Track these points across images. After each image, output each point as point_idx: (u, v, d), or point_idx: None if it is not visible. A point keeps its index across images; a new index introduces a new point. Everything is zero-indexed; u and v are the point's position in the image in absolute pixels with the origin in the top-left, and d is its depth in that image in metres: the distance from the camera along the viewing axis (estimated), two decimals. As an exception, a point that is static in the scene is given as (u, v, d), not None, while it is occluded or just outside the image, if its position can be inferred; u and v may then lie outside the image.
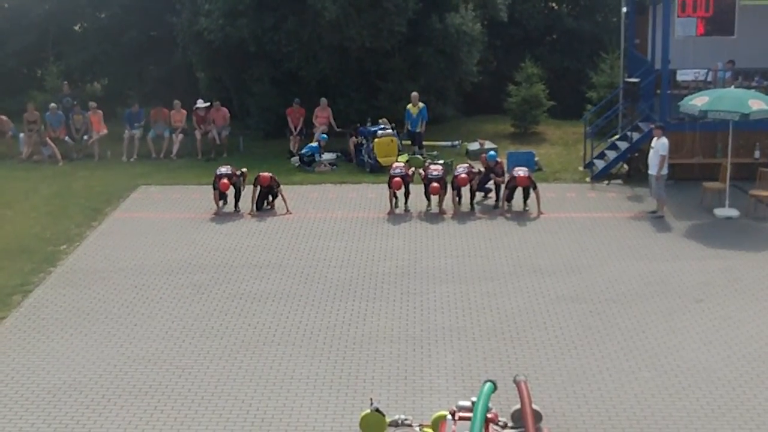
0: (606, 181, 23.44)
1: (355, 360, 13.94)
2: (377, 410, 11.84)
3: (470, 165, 22.01)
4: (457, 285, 16.71)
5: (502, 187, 21.29)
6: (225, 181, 21.03)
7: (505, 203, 21.10)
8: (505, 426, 11.62)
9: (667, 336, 14.59)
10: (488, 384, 11.05)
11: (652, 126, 21.02)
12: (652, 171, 20.36)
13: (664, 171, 20.21)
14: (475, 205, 21.43)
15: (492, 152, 22.57)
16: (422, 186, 21.33)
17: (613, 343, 14.39)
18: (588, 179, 23.76)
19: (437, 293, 16.36)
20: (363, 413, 11.85)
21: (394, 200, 21.23)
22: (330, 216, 20.95)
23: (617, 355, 14.00)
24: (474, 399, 10.74)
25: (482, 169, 22.05)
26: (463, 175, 21.16)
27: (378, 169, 24.53)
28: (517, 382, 12.11)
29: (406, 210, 21.23)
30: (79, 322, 15.46)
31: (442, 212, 20.90)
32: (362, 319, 15.37)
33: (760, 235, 19.32)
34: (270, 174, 21.36)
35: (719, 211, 20.45)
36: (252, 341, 14.61)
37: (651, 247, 18.65)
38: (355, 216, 20.89)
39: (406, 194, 21.30)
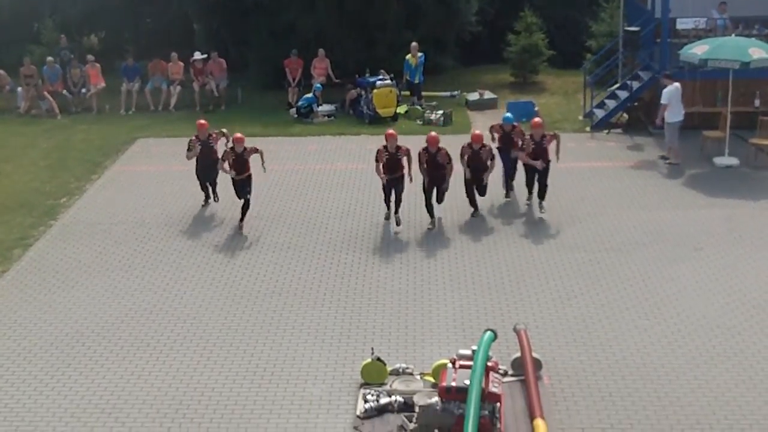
0: (606, 131, 23.38)
1: (356, 310, 13.99)
2: (378, 359, 11.92)
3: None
4: (458, 236, 16.73)
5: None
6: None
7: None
8: (505, 374, 11.71)
9: (666, 284, 14.64)
10: (488, 333, 11.10)
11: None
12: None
13: (671, 119, 20.15)
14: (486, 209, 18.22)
15: (508, 115, 18.95)
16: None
17: (613, 291, 14.45)
18: (588, 129, 23.70)
19: (437, 244, 16.38)
20: (364, 362, 11.94)
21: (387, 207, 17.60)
22: (329, 168, 20.93)
23: (617, 303, 14.06)
24: (474, 348, 10.80)
25: (496, 142, 18.41)
26: (477, 132, 17.48)
27: (377, 120, 24.46)
28: (517, 331, 12.19)
29: (398, 224, 17.21)
30: (80, 274, 15.51)
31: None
32: (363, 269, 15.41)
33: (759, 183, 19.30)
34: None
35: (719, 160, 20.42)
36: (253, 292, 14.66)
37: (651, 196, 18.66)
38: (355, 167, 20.85)
39: (397, 201, 17.25)
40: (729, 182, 19.36)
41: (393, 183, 17.06)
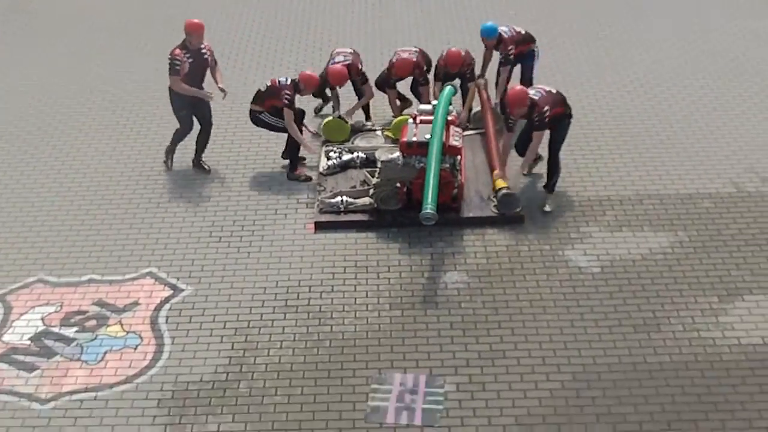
0: None
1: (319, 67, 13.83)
2: (340, 117, 11.95)
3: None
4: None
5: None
6: None
7: None
8: (466, 128, 11.78)
9: (637, 23, 14.59)
10: (449, 87, 11.11)
11: None
12: None
13: None
14: None
15: (488, 24, 12.29)
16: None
17: (583, 36, 14.43)
18: None
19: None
20: (326, 120, 11.95)
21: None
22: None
23: (588, 47, 14.07)
24: (435, 102, 10.82)
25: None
26: (454, 49, 12.18)
27: None
28: (477, 85, 12.17)
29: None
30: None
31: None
32: (321, 26, 15.17)
33: None
34: None
35: None
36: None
37: None
38: None
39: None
40: None
41: None
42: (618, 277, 9.56)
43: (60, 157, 12.00)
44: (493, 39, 12.12)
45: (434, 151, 10.04)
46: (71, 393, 8.36)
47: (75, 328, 9.13)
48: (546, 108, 10.28)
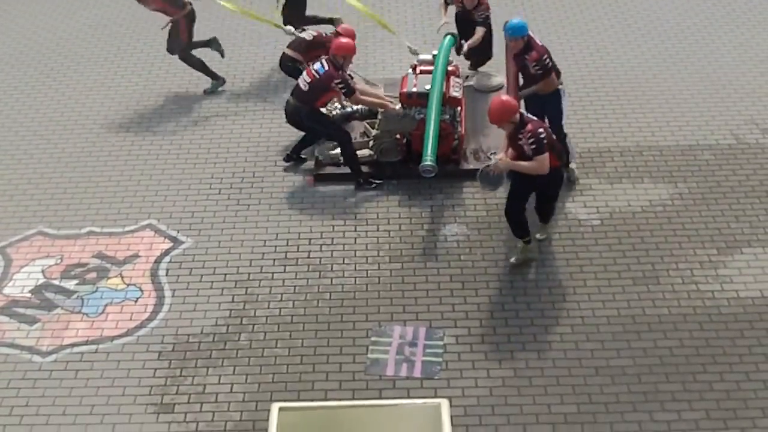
0: None
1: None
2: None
3: None
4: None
5: None
6: None
7: None
8: (466, 78, 11.70)
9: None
10: (449, 37, 10.96)
11: None
12: None
13: None
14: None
15: (514, 21, 9.87)
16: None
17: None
18: None
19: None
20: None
21: None
22: None
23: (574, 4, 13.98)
24: (435, 53, 10.71)
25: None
26: None
27: None
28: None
29: None
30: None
31: None
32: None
33: None
34: None
35: None
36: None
37: None
38: None
39: None
40: None
41: None
42: (617, 229, 9.57)
43: (59, 108, 11.94)
44: (520, 39, 9.73)
45: (434, 102, 9.98)
46: (72, 346, 8.42)
47: (75, 281, 9.15)
48: (540, 130, 8.45)
